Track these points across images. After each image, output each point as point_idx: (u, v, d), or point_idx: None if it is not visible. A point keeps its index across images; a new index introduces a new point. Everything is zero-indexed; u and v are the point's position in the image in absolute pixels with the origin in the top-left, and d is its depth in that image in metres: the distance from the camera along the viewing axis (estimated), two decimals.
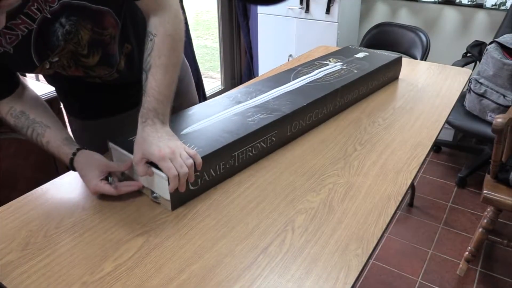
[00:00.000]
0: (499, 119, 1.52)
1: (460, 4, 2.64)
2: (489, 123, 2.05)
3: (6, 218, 0.83)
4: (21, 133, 0.93)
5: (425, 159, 1.02)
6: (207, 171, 0.88)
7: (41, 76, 1.08)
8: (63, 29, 0.85)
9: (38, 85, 1.68)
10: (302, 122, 1.09)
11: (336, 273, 0.70)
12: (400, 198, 0.88)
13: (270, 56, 3.07)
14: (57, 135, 0.92)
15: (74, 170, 0.91)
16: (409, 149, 1.06)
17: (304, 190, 0.91)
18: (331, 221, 0.81)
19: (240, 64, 3.41)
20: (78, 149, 0.91)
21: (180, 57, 0.92)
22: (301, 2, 2.74)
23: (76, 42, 0.89)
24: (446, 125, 1.37)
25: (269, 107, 1.06)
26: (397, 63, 1.44)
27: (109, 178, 0.89)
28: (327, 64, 1.35)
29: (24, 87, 0.96)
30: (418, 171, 0.98)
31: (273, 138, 1.02)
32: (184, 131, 0.95)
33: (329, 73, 1.28)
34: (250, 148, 0.97)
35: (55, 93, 1.31)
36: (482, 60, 2.21)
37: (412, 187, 2.28)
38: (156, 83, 0.86)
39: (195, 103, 1.27)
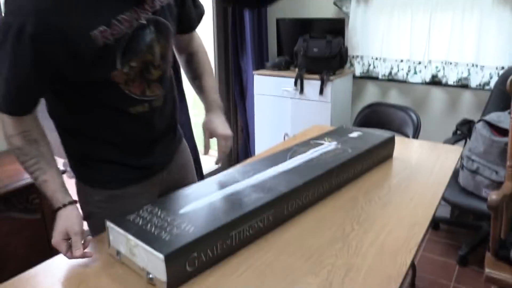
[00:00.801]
0: (493, 196, 1.54)
1: (447, 85, 2.77)
2: (485, 199, 2.05)
3: None
4: (19, 158, 0.95)
5: (423, 238, 1.02)
6: (204, 251, 0.87)
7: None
8: (151, 36, 0.98)
9: None
10: (299, 201, 1.10)
11: None
12: (400, 280, 0.86)
13: (266, 134, 3.16)
14: (55, 179, 0.96)
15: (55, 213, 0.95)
16: (407, 228, 1.05)
17: (303, 272, 0.89)
18: None
19: (237, 143, 3.48)
20: (70, 202, 0.96)
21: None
22: (295, 84, 2.88)
23: (153, 52, 1.00)
24: (443, 202, 1.38)
25: (266, 186, 1.08)
26: (390, 142, 1.48)
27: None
28: (323, 144, 1.39)
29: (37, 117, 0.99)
30: (417, 251, 0.97)
31: (270, 217, 1.02)
32: (182, 211, 0.96)
33: (324, 152, 1.31)
34: (248, 228, 0.96)
35: None
36: (472, 137, 2.27)
37: (413, 266, 2.23)
38: (211, 83, 1.25)
39: (195, 179, 1.33)
